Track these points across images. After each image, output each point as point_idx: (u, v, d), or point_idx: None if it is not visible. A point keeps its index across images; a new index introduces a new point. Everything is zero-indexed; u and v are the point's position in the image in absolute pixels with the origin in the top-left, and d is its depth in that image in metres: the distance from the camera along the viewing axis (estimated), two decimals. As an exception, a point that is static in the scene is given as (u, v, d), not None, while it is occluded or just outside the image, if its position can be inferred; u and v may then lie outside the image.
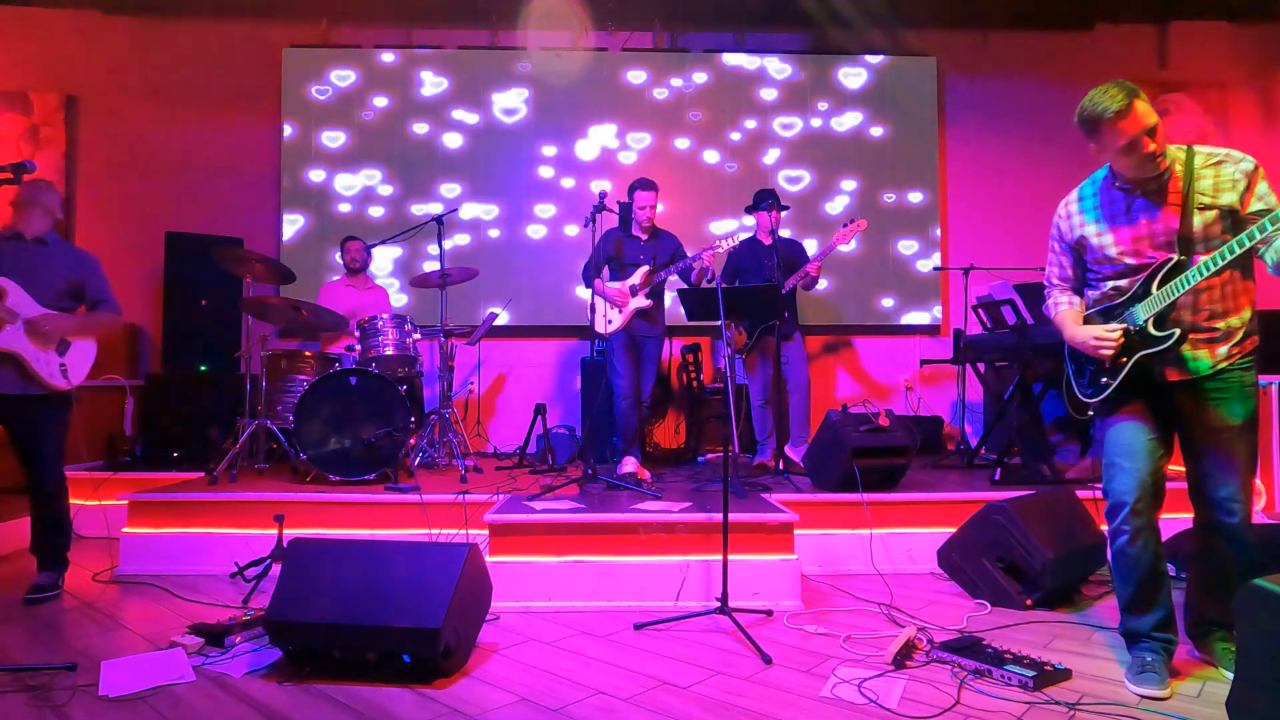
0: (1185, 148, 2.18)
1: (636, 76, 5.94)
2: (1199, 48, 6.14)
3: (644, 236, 4.34)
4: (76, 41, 5.76)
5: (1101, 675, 2.31)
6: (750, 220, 4.81)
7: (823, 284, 5.32)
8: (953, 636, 2.57)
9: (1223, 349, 2.15)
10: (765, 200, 4.44)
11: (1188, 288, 2.09)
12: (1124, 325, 2.22)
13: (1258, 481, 4.19)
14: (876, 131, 6.03)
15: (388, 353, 4.21)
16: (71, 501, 3.30)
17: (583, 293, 5.48)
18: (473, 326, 5.21)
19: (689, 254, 4.31)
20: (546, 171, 5.88)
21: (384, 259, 5.80)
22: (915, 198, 6.02)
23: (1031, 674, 2.18)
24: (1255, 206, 2.08)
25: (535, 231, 5.86)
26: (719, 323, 3.58)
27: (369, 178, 5.82)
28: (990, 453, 4.65)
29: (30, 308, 3.03)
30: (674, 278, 4.30)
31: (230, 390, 4.98)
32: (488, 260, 5.65)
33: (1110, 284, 2.30)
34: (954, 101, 6.19)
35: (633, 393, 4.25)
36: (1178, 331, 2.13)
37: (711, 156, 5.95)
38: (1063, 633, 2.70)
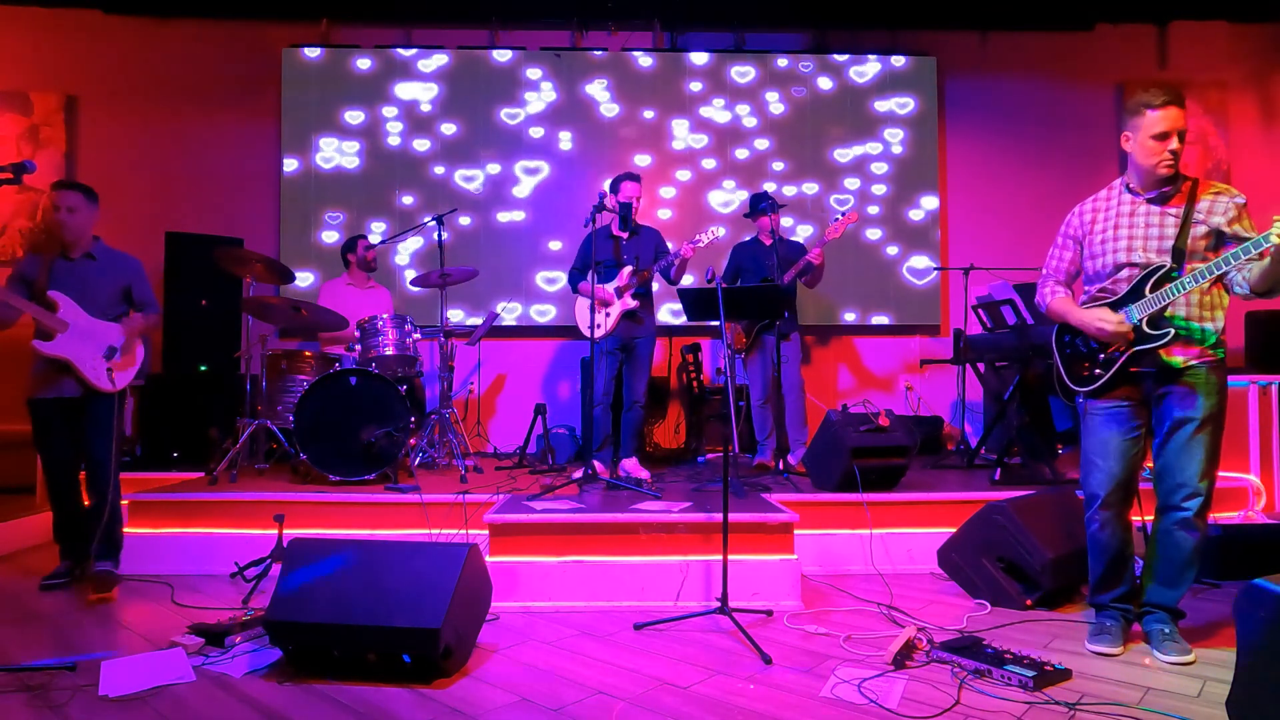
0: (1193, 178, 2.47)
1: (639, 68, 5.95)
2: (1199, 48, 6.14)
3: (625, 235, 4.30)
4: (76, 41, 5.76)
5: (1101, 675, 2.31)
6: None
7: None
8: (953, 636, 2.57)
9: (1195, 349, 2.40)
10: (762, 203, 4.45)
11: (1182, 293, 2.34)
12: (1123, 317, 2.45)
13: (1257, 480, 4.19)
14: (876, 131, 6.03)
15: (388, 353, 4.21)
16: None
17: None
18: (472, 326, 5.21)
19: (670, 248, 4.30)
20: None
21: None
22: (914, 201, 6.01)
23: (1031, 674, 2.18)
24: (1235, 231, 2.37)
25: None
26: (718, 322, 3.58)
27: (370, 176, 5.83)
28: (990, 453, 4.65)
29: (80, 317, 3.20)
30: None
31: (230, 390, 4.98)
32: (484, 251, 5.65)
33: (1098, 286, 2.54)
34: (954, 101, 6.19)
35: (606, 397, 4.25)
36: (1173, 331, 2.37)
37: (711, 155, 5.96)
38: (1063, 633, 2.70)
